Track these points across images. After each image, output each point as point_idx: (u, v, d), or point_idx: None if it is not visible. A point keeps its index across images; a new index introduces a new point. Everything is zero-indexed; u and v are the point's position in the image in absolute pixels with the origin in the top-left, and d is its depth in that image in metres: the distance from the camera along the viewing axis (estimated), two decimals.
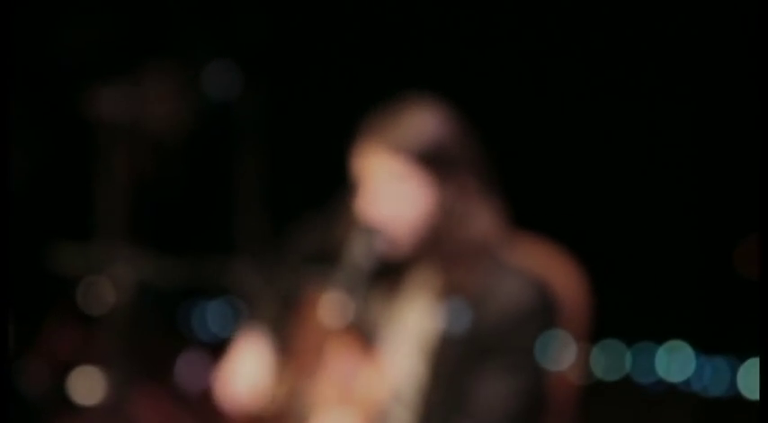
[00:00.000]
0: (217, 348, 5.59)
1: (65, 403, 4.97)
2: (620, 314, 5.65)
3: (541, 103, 5.74)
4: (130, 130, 5.09)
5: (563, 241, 3.32)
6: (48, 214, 5.90)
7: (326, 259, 3.23)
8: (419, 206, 2.95)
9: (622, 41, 5.66)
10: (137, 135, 5.16)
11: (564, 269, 3.22)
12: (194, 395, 5.39)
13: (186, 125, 5.37)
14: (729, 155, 5.62)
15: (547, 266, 3.26)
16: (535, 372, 3.02)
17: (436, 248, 2.98)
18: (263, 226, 5.63)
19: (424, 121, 2.93)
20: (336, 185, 3.29)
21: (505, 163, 3.13)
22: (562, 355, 3.27)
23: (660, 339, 5.86)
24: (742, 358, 5.75)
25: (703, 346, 5.82)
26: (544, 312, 3.03)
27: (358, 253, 2.93)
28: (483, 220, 2.99)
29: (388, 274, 3.05)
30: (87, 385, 4.82)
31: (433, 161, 2.93)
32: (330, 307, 2.92)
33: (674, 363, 5.87)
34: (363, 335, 3.13)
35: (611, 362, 5.91)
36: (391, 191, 2.93)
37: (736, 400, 5.76)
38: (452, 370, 3.00)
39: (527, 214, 3.23)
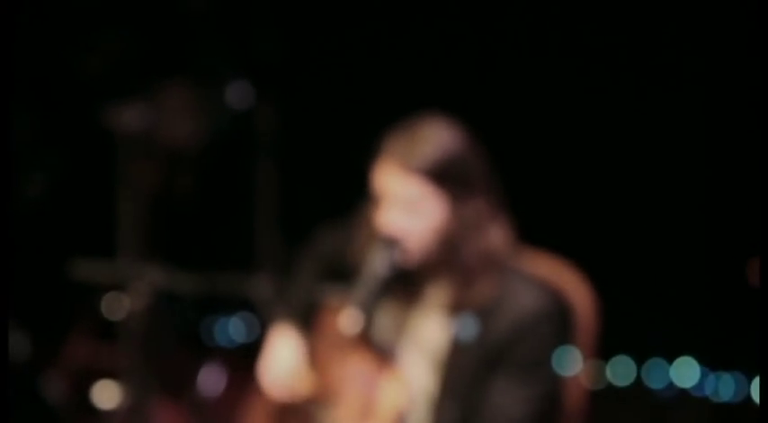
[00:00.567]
0: (237, 361, 5.65)
1: (86, 413, 5.00)
2: (630, 330, 5.65)
3: (551, 120, 5.71)
4: (150, 144, 5.16)
5: (572, 258, 3.36)
6: (70, 228, 5.94)
7: (344, 270, 3.29)
8: (434, 222, 3.01)
9: (635, 55, 5.63)
10: (156, 150, 5.23)
11: (574, 285, 3.28)
12: (213, 407, 5.41)
13: (204, 140, 5.43)
14: (744, 167, 5.59)
15: (557, 281, 3.31)
16: (551, 380, 3.08)
17: (450, 261, 3.03)
18: (280, 240, 5.67)
19: (438, 140, 2.98)
20: (351, 199, 3.34)
21: (515, 179, 3.20)
22: (574, 365, 3.32)
23: (672, 356, 5.83)
24: (755, 373, 5.73)
25: (716, 362, 5.79)
26: (559, 322, 3.09)
27: (376, 264, 2.99)
28: (495, 234, 3.05)
29: (404, 286, 3.11)
30: (109, 396, 4.85)
31: (447, 179, 2.99)
32: (348, 318, 2.96)
33: (686, 378, 5.84)
34: (380, 346, 3.18)
35: (621, 376, 5.90)
36: (408, 208, 2.99)
37: (748, 405, 5.74)
38: (468, 381, 3.05)
39: (537, 230, 3.28)
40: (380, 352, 3.18)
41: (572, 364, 3.31)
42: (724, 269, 5.66)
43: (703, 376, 5.79)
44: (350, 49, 5.93)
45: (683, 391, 5.79)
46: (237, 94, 5.42)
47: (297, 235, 3.73)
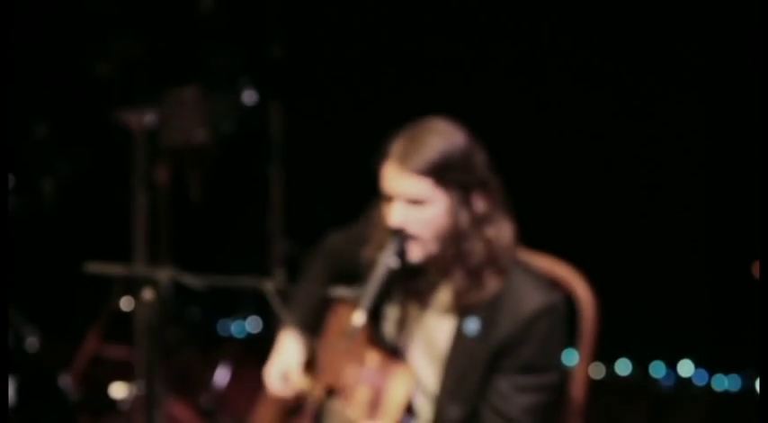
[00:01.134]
0: (246, 353, 5.67)
1: (101, 407, 5.03)
2: (632, 333, 5.65)
3: (553, 121, 5.69)
4: (163, 144, 5.20)
5: (573, 258, 3.40)
6: (85, 226, 5.97)
7: (353, 272, 3.35)
8: (440, 217, 3.04)
9: (635, 56, 5.60)
10: (169, 150, 5.26)
11: (576, 283, 3.32)
12: (223, 400, 5.43)
13: (215, 140, 5.45)
14: (745, 168, 5.56)
15: (561, 278, 3.35)
16: (556, 376, 3.10)
17: (456, 258, 3.07)
18: (290, 242, 5.70)
19: (440, 140, 3.03)
20: (359, 198, 3.38)
21: (518, 181, 3.23)
22: (578, 361, 3.36)
23: (674, 359, 5.82)
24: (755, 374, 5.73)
25: (718, 365, 5.78)
26: (564, 318, 3.11)
27: (386, 256, 3.03)
28: (500, 231, 3.09)
29: (412, 283, 3.15)
30: (121, 390, 4.88)
31: (450, 177, 3.02)
32: (358, 313, 2.99)
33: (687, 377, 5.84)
34: (388, 342, 3.22)
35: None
36: (414, 204, 3.03)
37: (751, 395, 5.74)
38: (473, 378, 3.08)
39: (539, 232, 3.31)
40: (389, 347, 3.22)
41: (576, 360, 3.35)
42: (725, 271, 5.65)
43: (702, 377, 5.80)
44: (357, 50, 5.94)
45: (685, 384, 5.80)
46: (248, 95, 5.44)
47: (305, 233, 3.75)
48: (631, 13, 5.57)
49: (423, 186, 3.01)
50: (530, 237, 3.23)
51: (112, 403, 4.97)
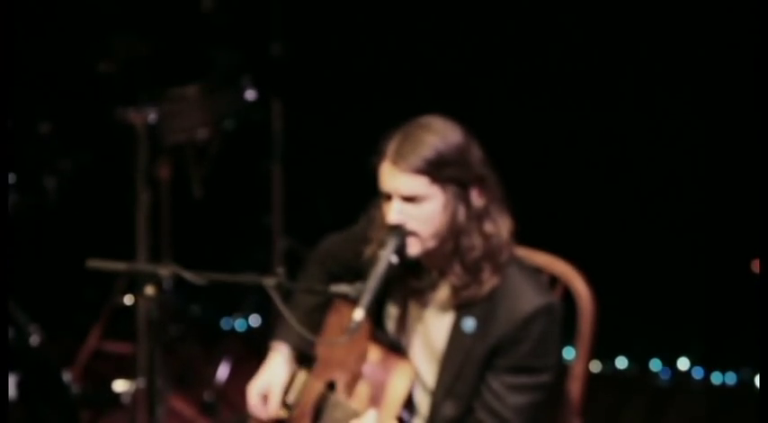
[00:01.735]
0: (250, 356, 5.68)
1: (105, 406, 5.04)
2: (630, 331, 5.65)
3: (552, 119, 5.71)
4: (165, 141, 5.21)
5: (574, 259, 3.43)
6: (88, 222, 5.99)
7: (351, 272, 3.37)
8: (438, 213, 3.05)
9: (633, 53, 5.61)
10: (171, 146, 5.28)
11: (575, 280, 3.36)
12: (223, 393, 5.45)
13: (217, 137, 5.46)
14: (744, 168, 5.56)
15: (559, 275, 3.38)
16: (553, 372, 3.11)
17: (454, 255, 3.08)
18: (291, 239, 5.72)
19: (436, 138, 3.04)
20: (357, 196, 3.41)
21: (517, 179, 3.24)
22: (576, 357, 3.39)
23: (671, 357, 5.82)
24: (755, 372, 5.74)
25: (716, 363, 5.78)
26: (561, 315, 3.11)
27: (386, 252, 3.04)
28: (498, 227, 3.10)
29: (411, 281, 3.17)
30: (124, 385, 4.89)
31: (447, 174, 3.03)
32: (359, 309, 3.00)
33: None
34: (389, 338, 3.25)
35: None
36: (412, 201, 3.04)
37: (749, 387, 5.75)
38: (469, 375, 3.11)
39: (540, 231, 3.33)
40: (389, 343, 3.25)
41: (574, 356, 3.38)
42: (722, 269, 5.66)
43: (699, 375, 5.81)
44: (357, 49, 5.95)
45: (682, 380, 5.80)
46: (249, 93, 5.45)
47: (305, 230, 3.76)
48: (630, 13, 5.58)
49: (419, 184, 3.02)
50: (529, 234, 3.24)
51: (115, 398, 4.98)
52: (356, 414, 3.18)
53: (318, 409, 3.33)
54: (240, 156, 5.86)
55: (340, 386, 3.29)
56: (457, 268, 3.09)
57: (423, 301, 3.19)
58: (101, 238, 5.70)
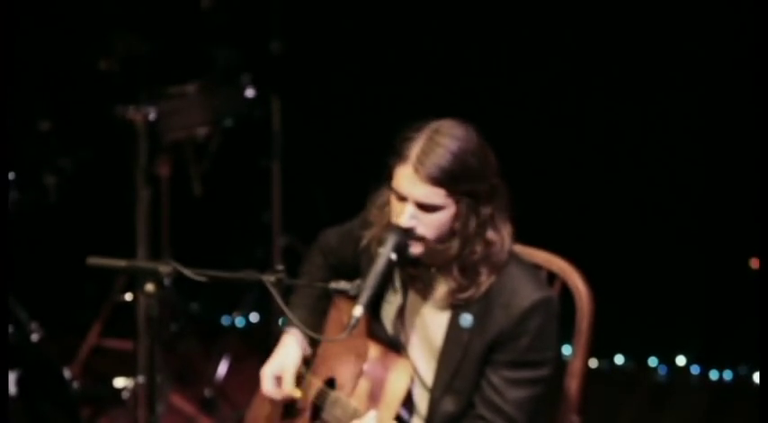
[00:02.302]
0: (250, 353, 5.69)
1: (105, 403, 5.05)
2: (628, 329, 5.65)
3: (550, 117, 5.71)
4: (165, 138, 5.22)
5: (572, 256, 3.45)
6: (88, 220, 5.99)
7: (350, 267, 3.38)
8: (449, 220, 3.06)
9: (629, 49, 5.60)
10: (170, 143, 5.29)
11: (573, 280, 3.38)
12: (222, 389, 5.46)
13: (216, 134, 5.47)
14: (743, 167, 5.57)
15: (557, 272, 3.39)
16: (551, 369, 3.13)
17: (459, 256, 3.09)
18: (290, 236, 5.72)
19: (463, 152, 3.03)
20: (356, 194, 3.42)
21: (515, 177, 3.23)
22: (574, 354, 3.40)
23: (669, 355, 5.83)
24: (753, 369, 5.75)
25: (713, 361, 5.79)
26: (558, 311, 3.13)
27: (386, 249, 3.05)
28: (501, 236, 3.11)
29: (411, 277, 3.18)
30: (126, 386, 4.89)
31: (463, 184, 3.04)
32: (359, 306, 3.01)
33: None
34: (387, 335, 3.27)
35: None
36: (426, 208, 3.05)
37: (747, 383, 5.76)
38: (468, 372, 3.12)
39: (538, 229, 3.33)
40: (388, 340, 3.26)
41: (572, 353, 3.39)
42: (720, 268, 5.66)
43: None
44: (356, 47, 5.96)
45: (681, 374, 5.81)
46: (248, 91, 5.45)
47: (304, 227, 3.77)
48: (628, 12, 5.59)
49: (436, 194, 3.03)
50: (527, 232, 3.25)
51: (115, 395, 4.99)
52: (356, 412, 3.19)
53: (317, 406, 3.34)
54: (239, 153, 5.87)
55: (339, 383, 3.30)
56: (455, 271, 3.11)
57: (422, 298, 3.20)
58: (101, 236, 5.71)
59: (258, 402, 3.52)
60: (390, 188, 3.11)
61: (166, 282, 3.04)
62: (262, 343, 5.47)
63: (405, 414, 3.22)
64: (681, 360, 5.81)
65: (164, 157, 5.41)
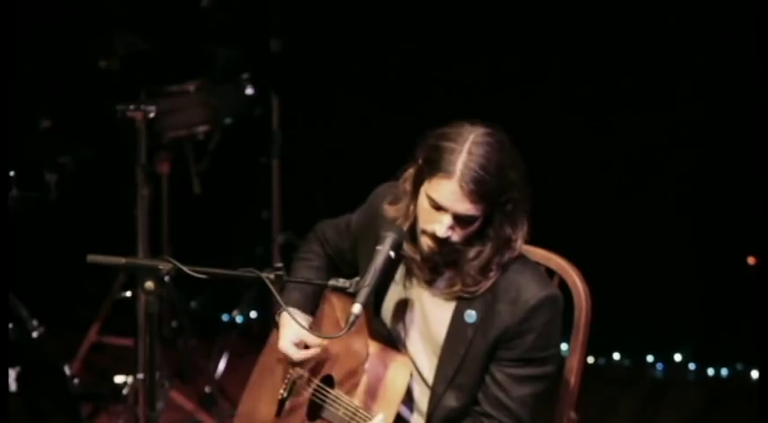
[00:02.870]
0: (249, 349, 5.70)
1: (105, 399, 5.06)
2: (626, 327, 5.67)
3: (548, 120, 5.69)
4: (165, 136, 5.23)
5: (570, 254, 3.46)
6: (91, 223, 6.00)
7: (345, 257, 3.40)
8: (477, 227, 3.08)
9: (627, 49, 5.62)
10: (171, 141, 5.30)
11: (572, 278, 3.39)
12: (221, 385, 5.47)
13: (217, 132, 5.48)
14: (739, 163, 5.58)
15: (558, 270, 3.40)
16: (554, 365, 3.15)
17: (472, 257, 3.11)
18: (289, 233, 5.73)
19: (505, 168, 3.05)
20: (354, 191, 3.43)
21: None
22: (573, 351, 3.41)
23: (666, 353, 5.84)
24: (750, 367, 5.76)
25: (710, 359, 5.80)
26: (562, 308, 3.15)
27: (386, 246, 3.08)
28: (517, 236, 3.13)
29: (414, 271, 3.20)
30: (126, 383, 4.90)
31: (502, 203, 3.06)
32: (357, 306, 3.02)
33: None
34: (388, 330, 3.28)
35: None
36: (463, 226, 3.06)
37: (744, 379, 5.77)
38: (471, 368, 3.14)
39: (537, 227, 3.31)
40: (387, 336, 3.27)
41: (569, 350, 3.41)
42: (717, 267, 5.67)
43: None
44: (354, 45, 5.97)
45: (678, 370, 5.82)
46: (248, 89, 5.46)
47: (303, 224, 3.77)
48: (627, 12, 5.59)
49: (478, 210, 3.05)
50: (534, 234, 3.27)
51: (115, 392, 5.00)
52: (358, 411, 3.19)
53: (315, 405, 3.34)
54: (239, 151, 5.89)
55: (338, 381, 3.30)
56: (470, 266, 3.12)
57: (424, 288, 3.21)
58: (101, 233, 5.72)
59: (250, 397, 3.54)
60: (416, 192, 3.09)
61: (166, 279, 3.05)
62: (261, 340, 5.44)
63: (405, 411, 3.23)
64: (678, 357, 5.82)
65: (163, 156, 5.43)
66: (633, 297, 5.67)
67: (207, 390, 5.33)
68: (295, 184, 5.82)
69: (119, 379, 4.96)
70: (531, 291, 3.10)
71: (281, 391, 3.40)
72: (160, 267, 3.03)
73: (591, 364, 5.74)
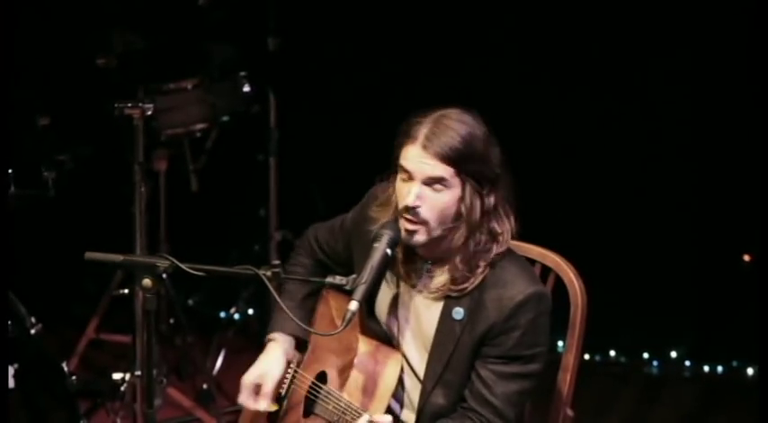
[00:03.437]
0: (246, 346, 5.71)
1: (102, 396, 5.07)
2: (621, 324, 5.69)
3: (547, 119, 5.70)
4: (162, 134, 5.24)
5: (566, 251, 3.48)
6: (89, 220, 6.01)
7: (339, 260, 3.41)
8: (454, 203, 3.09)
9: (627, 47, 5.64)
10: (168, 139, 5.31)
11: (567, 275, 3.40)
12: (218, 383, 5.48)
13: (213, 130, 5.49)
14: (735, 161, 5.59)
15: (551, 266, 3.42)
16: (542, 362, 3.15)
17: (459, 250, 3.12)
18: (286, 231, 5.75)
19: (470, 134, 3.07)
20: (352, 189, 3.45)
21: (514, 175, 3.26)
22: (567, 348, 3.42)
23: (662, 351, 5.85)
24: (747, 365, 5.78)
25: (706, 357, 5.81)
26: (550, 305, 3.16)
27: (382, 243, 3.09)
28: (504, 229, 3.15)
29: (406, 269, 3.21)
30: (123, 380, 4.91)
31: (469, 166, 3.07)
32: (354, 303, 3.02)
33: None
34: (381, 328, 3.30)
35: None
36: (433, 193, 3.07)
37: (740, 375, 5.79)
38: (459, 365, 3.15)
39: (533, 224, 3.33)
40: (379, 334, 3.29)
41: (565, 347, 3.41)
42: (714, 265, 5.68)
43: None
44: (352, 43, 5.97)
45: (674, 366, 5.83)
46: (245, 86, 5.47)
47: (300, 222, 3.78)
48: (628, 10, 5.60)
49: (444, 171, 3.06)
50: (521, 227, 3.26)
51: (112, 388, 5.01)
52: (349, 406, 3.20)
53: (309, 401, 3.35)
54: (236, 149, 5.89)
55: (330, 377, 3.31)
56: (458, 260, 3.13)
57: (414, 288, 3.22)
58: (99, 231, 5.73)
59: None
60: (395, 171, 3.13)
61: (164, 276, 3.06)
62: (258, 337, 5.46)
63: (396, 406, 3.25)
64: (674, 354, 5.83)
65: (161, 153, 5.44)
66: (629, 294, 5.68)
67: (204, 386, 5.34)
68: (292, 182, 5.83)
69: (116, 376, 4.97)
70: (518, 287, 3.11)
71: (281, 387, 3.41)
72: (158, 265, 3.04)
73: (587, 361, 5.75)
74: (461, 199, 3.09)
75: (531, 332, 3.10)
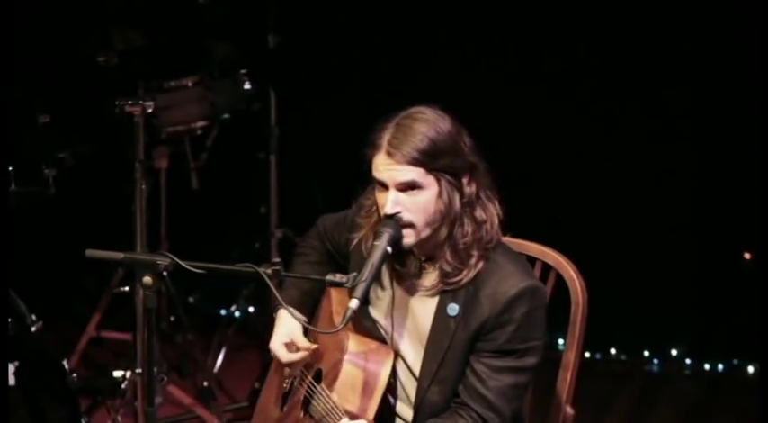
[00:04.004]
0: (247, 344, 5.72)
1: (103, 394, 5.08)
2: (622, 322, 5.69)
3: (546, 118, 5.71)
4: (163, 131, 5.25)
5: (566, 249, 3.47)
6: (89, 218, 6.02)
7: (345, 253, 3.41)
8: (432, 202, 3.09)
9: (627, 45, 5.65)
10: (168, 136, 5.32)
11: (567, 273, 3.40)
12: (218, 379, 5.48)
13: (214, 127, 5.50)
14: (735, 160, 5.60)
15: (550, 262, 3.42)
16: (538, 357, 3.13)
17: (447, 243, 3.13)
18: (287, 229, 5.75)
19: (429, 128, 3.08)
20: (352, 187, 3.45)
21: (511, 172, 3.27)
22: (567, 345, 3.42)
23: (662, 349, 5.86)
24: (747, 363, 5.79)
25: (706, 356, 5.82)
26: (545, 300, 3.15)
27: (380, 242, 3.09)
28: (489, 216, 3.14)
29: (400, 268, 3.21)
30: (124, 377, 4.92)
31: (440, 163, 3.08)
32: (354, 301, 3.03)
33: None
34: (377, 326, 3.29)
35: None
36: (407, 191, 3.08)
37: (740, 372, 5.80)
38: (454, 361, 3.14)
39: (533, 222, 3.36)
40: (376, 330, 3.28)
41: (566, 345, 3.41)
42: (714, 263, 5.68)
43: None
44: (352, 42, 5.98)
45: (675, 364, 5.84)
46: (246, 84, 5.48)
47: (301, 220, 3.79)
48: (627, 9, 5.61)
49: (414, 174, 3.07)
50: (521, 225, 3.28)
51: (113, 386, 5.02)
52: (334, 407, 3.20)
53: (306, 399, 3.36)
54: (237, 147, 5.90)
55: (324, 374, 3.32)
56: (447, 254, 3.13)
57: (409, 286, 3.23)
58: (99, 228, 5.74)
59: (266, 391, 3.55)
60: (372, 184, 3.15)
61: (164, 274, 3.06)
62: (259, 334, 5.49)
63: (391, 400, 3.25)
64: (674, 352, 5.83)
65: (162, 151, 5.45)
66: (630, 292, 5.69)
67: (205, 384, 5.34)
68: (293, 180, 5.84)
69: (117, 373, 4.98)
70: (511, 281, 3.10)
71: (285, 385, 3.43)
72: (158, 262, 3.04)
73: (587, 359, 5.75)
74: (439, 193, 3.10)
75: (525, 326, 3.10)
